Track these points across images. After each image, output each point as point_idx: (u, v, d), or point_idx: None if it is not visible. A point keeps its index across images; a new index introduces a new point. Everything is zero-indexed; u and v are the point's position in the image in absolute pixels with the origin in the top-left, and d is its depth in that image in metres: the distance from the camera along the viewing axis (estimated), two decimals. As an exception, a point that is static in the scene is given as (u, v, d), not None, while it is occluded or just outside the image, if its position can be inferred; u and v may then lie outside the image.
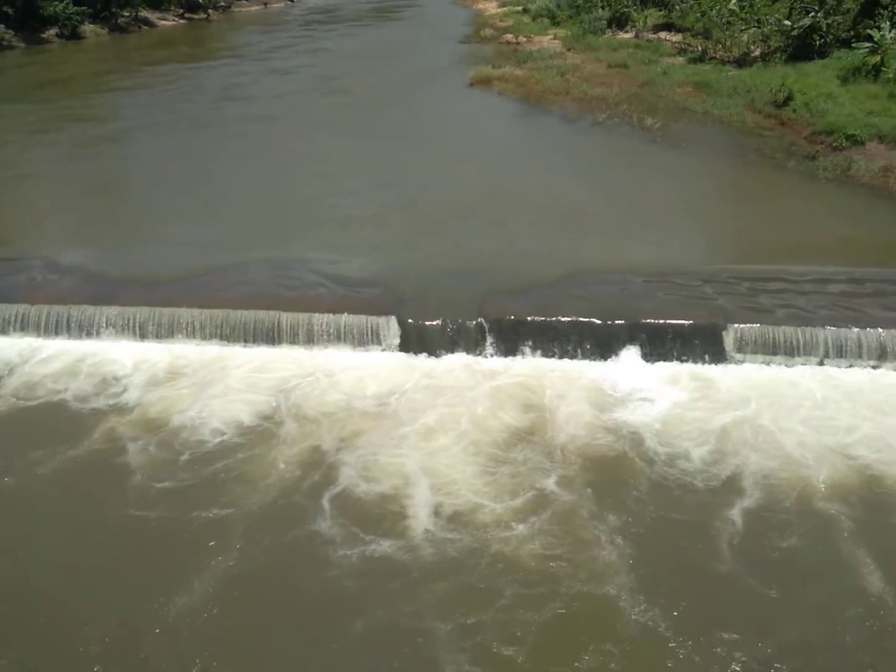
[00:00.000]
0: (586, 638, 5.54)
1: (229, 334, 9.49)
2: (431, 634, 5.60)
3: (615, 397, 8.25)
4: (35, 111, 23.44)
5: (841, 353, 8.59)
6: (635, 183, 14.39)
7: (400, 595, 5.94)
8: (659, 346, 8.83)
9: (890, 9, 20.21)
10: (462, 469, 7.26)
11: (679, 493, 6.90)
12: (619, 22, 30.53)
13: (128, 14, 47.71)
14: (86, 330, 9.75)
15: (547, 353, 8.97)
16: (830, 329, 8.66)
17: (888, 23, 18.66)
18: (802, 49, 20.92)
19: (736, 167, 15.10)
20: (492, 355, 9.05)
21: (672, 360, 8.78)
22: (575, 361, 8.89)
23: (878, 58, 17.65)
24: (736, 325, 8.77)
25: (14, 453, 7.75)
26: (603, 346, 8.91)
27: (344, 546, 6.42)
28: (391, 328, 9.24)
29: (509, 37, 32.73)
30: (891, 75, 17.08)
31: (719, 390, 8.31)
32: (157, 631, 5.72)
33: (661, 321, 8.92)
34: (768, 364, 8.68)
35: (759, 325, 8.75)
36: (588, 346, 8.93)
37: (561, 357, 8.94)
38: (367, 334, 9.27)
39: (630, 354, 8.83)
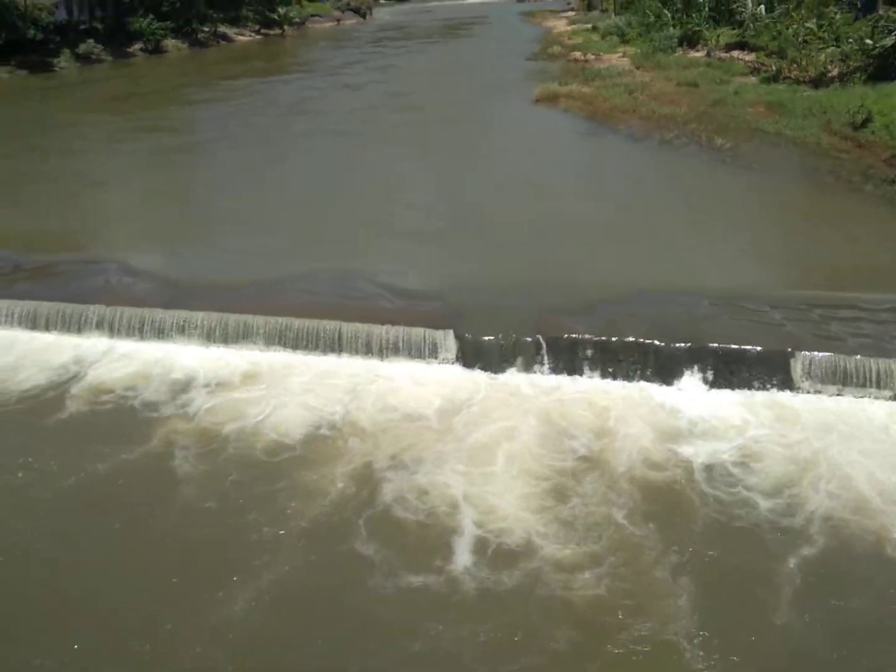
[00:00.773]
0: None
1: (292, 342, 9.66)
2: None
3: (678, 425, 7.97)
4: (115, 122, 24.49)
5: (918, 386, 8.18)
6: (703, 203, 14.10)
7: (442, 630, 5.71)
8: (724, 371, 8.57)
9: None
10: (514, 496, 7.02)
11: (743, 533, 6.55)
12: (689, 40, 30.11)
13: (207, 30, 49.63)
14: (156, 332, 10.07)
15: (606, 374, 8.81)
16: (907, 361, 8.26)
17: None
18: (884, 69, 20.19)
19: (809, 189, 14.64)
20: (548, 373, 8.94)
21: (737, 387, 8.50)
22: (635, 383, 8.70)
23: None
24: (805, 353, 8.45)
25: (77, 452, 8.00)
26: (665, 369, 8.71)
27: (384, 573, 6.25)
28: (448, 341, 9.25)
29: (577, 54, 32.68)
30: (979, 98, 16.34)
31: (786, 421, 7.98)
32: (197, 645, 5.71)
33: (727, 346, 8.66)
34: (839, 395, 8.32)
35: (830, 353, 8.41)
36: (649, 369, 8.73)
37: (620, 378, 8.78)
38: (425, 347, 9.30)
39: (693, 379, 8.60)
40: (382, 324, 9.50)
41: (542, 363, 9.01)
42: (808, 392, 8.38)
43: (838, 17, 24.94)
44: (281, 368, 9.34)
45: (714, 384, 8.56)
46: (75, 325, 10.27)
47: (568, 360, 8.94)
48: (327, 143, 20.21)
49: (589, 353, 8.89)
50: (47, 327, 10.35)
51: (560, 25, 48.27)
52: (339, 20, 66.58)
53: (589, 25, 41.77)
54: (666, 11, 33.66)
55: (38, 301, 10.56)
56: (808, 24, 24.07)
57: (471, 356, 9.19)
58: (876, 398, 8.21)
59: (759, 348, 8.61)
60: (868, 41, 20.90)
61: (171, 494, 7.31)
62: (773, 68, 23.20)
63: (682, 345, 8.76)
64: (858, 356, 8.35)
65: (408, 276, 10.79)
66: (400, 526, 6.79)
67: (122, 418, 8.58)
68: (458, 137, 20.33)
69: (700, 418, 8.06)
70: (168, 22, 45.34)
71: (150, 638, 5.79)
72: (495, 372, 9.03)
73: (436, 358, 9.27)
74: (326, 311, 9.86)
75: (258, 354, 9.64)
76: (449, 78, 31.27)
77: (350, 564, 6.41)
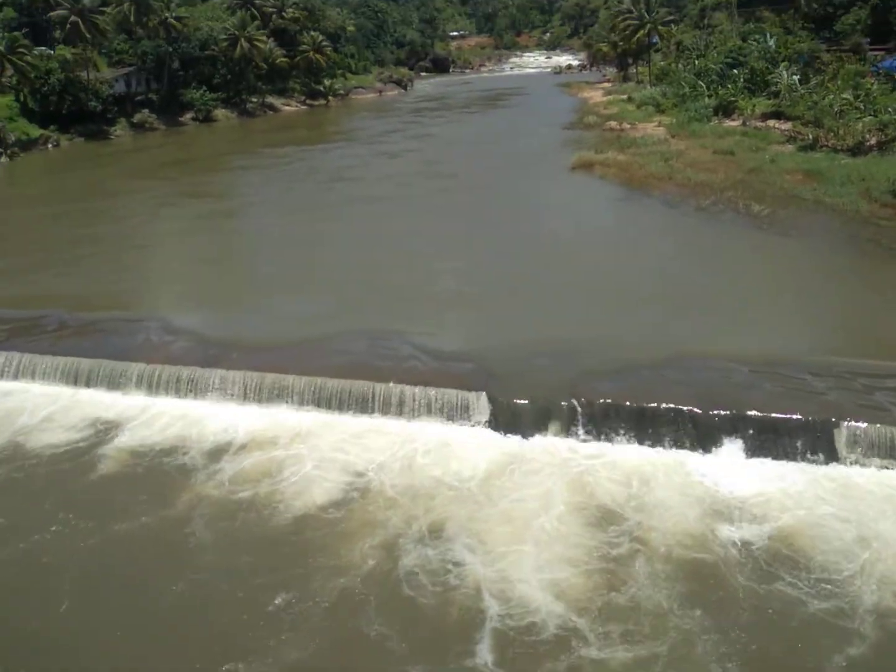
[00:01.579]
0: None
1: (326, 401, 9.70)
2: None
3: (716, 497, 7.72)
4: (162, 187, 25.45)
5: (972, 460, 7.82)
6: (740, 269, 13.97)
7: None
8: (764, 440, 8.31)
9: None
10: (545, 572, 6.80)
11: (787, 617, 6.29)
12: (725, 110, 30.47)
13: (256, 100, 51.85)
14: (193, 391, 10.20)
15: (642, 441, 8.61)
16: (959, 433, 7.92)
17: None
18: (923, 138, 20.14)
19: (849, 256, 14.43)
20: (583, 440, 8.77)
21: (778, 458, 8.23)
22: (672, 451, 8.48)
23: None
24: (850, 423, 8.17)
25: (108, 504, 8.09)
26: (703, 436, 8.48)
27: (404, 657, 6.11)
28: (481, 404, 9.17)
29: (613, 123, 33.22)
30: None
31: (828, 493, 7.67)
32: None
33: (767, 414, 8.43)
34: (886, 468, 7.98)
35: (876, 424, 8.12)
36: (687, 437, 8.52)
37: (657, 446, 8.56)
38: (457, 409, 9.23)
39: (732, 448, 8.35)
40: (414, 385, 9.50)
41: (577, 428, 8.86)
42: (853, 464, 8.06)
43: (875, 87, 25.08)
44: (312, 429, 9.35)
45: (754, 453, 8.30)
46: (115, 382, 10.48)
47: (604, 426, 8.77)
48: (364, 210, 20.56)
49: (625, 418, 8.73)
50: (88, 383, 10.57)
51: (596, 96, 49.26)
52: (381, 91, 69.06)
53: (624, 96, 42.53)
54: (701, 83, 34.23)
55: (79, 358, 10.83)
56: (844, 95, 24.23)
57: (504, 419, 9.08)
58: (927, 472, 7.88)
59: (801, 417, 8.37)
60: (906, 110, 20.92)
61: (187, 556, 7.31)
62: (810, 137, 23.28)
63: (722, 412, 8.55)
64: (906, 427, 8.05)
65: (441, 337, 10.81)
66: (424, 602, 6.66)
67: (156, 477, 8.64)
68: (493, 204, 20.60)
69: (739, 489, 7.78)
70: (219, 93, 47.66)
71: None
72: (529, 437, 8.89)
73: (469, 420, 9.18)
74: (360, 371, 9.92)
75: (292, 414, 9.67)
76: (485, 146, 31.93)
77: (369, 641, 6.23)
